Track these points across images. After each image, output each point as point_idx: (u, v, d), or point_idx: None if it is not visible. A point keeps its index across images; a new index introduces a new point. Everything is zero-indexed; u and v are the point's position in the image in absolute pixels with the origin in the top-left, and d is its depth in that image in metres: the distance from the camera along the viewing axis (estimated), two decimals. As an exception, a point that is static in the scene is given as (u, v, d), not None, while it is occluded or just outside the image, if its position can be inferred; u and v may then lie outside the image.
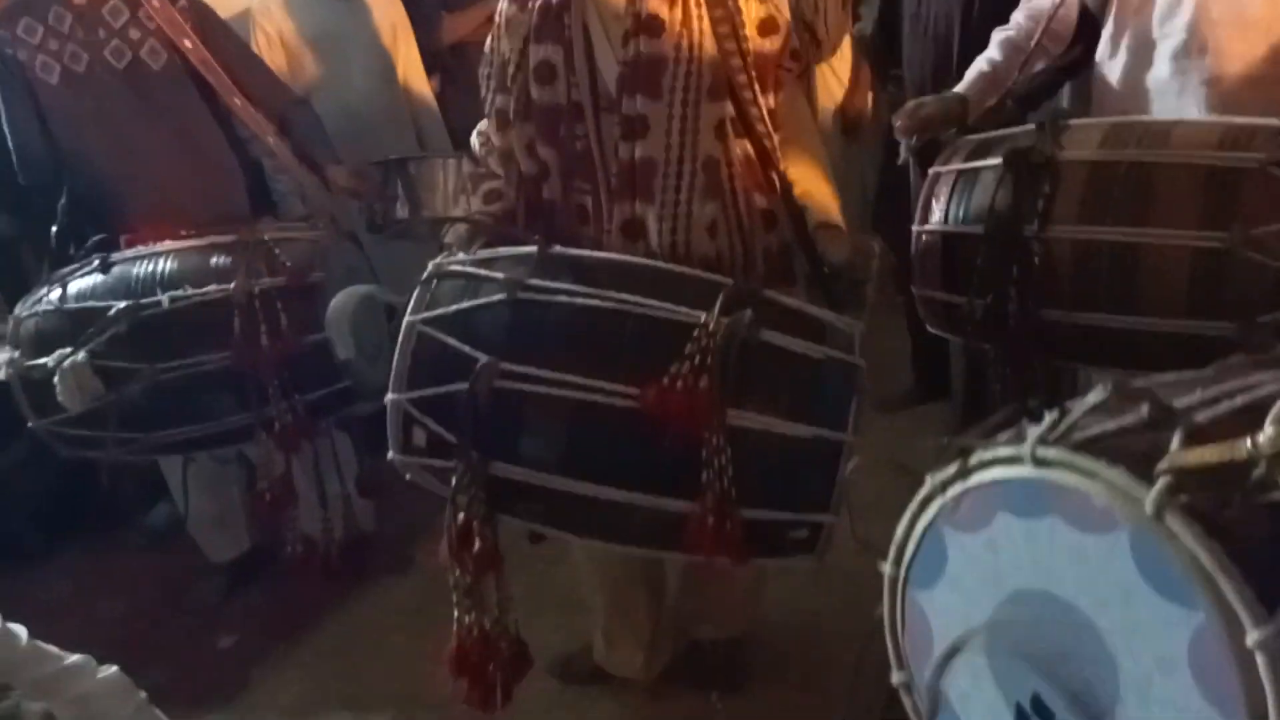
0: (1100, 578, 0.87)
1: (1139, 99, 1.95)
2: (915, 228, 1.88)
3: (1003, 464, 0.96)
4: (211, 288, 2.08)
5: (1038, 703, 0.92)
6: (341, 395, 2.18)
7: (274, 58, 2.93)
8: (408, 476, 1.63)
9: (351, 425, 2.43)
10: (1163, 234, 1.58)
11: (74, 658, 1.72)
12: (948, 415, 2.98)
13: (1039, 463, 0.91)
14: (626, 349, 1.47)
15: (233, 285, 2.06)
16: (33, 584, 2.64)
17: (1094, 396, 0.93)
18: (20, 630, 1.68)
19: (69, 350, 2.03)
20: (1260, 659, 0.76)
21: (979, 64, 2.12)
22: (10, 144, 2.37)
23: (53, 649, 1.71)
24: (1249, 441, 0.78)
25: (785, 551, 1.53)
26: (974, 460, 0.98)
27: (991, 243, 1.71)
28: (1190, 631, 0.80)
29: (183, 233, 2.23)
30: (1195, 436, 0.85)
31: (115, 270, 2.16)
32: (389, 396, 1.53)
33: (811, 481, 1.45)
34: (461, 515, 1.52)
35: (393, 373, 1.52)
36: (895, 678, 1.11)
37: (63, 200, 2.37)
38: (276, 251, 2.13)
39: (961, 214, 1.80)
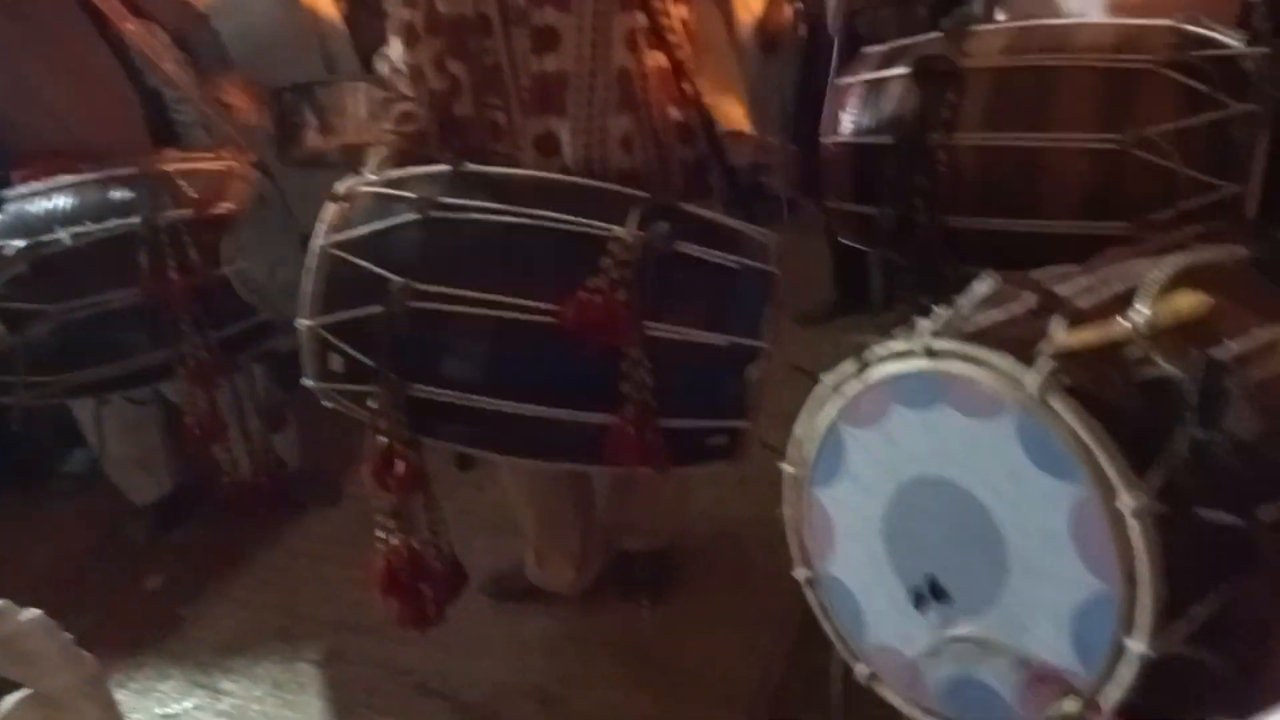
0: (989, 460, 0.91)
1: (1041, 2, 1.96)
2: (824, 139, 1.89)
3: (897, 359, 1.00)
4: (114, 222, 2.00)
5: (934, 585, 0.97)
6: (257, 330, 2.14)
7: None
8: (325, 403, 1.62)
9: (268, 358, 2.40)
10: (1062, 138, 1.61)
11: None
12: (868, 327, 3.05)
13: (931, 354, 0.95)
14: (542, 265, 1.47)
15: (137, 219, 1.99)
16: (-44, 537, 2.58)
17: (982, 287, 0.97)
18: None
19: None
20: (1132, 522, 0.82)
21: None
22: None
23: None
24: (1125, 321, 0.83)
25: (705, 458, 1.56)
26: (869, 357, 1.02)
27: (899, 152, 1.73)
28: (1071, 504, 0.86)
29: (80, 166, 2.13)
30: (1077, 321, 0.89)
31: (10, 208, 2.06)
32: (301, 322, 1.51)
33: (728, 389, 1.47)
34: (383, 439, 1.52)
35: (303, 298, 1.50)
36: (800, 574, 1.15)
37: None
38: (181, 183, 2.06)
39: (870, 123, 1.82)
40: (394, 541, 1.60)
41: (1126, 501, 0.82)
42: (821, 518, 1.11)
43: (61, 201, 2.05)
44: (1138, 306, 0.83)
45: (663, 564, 2.25)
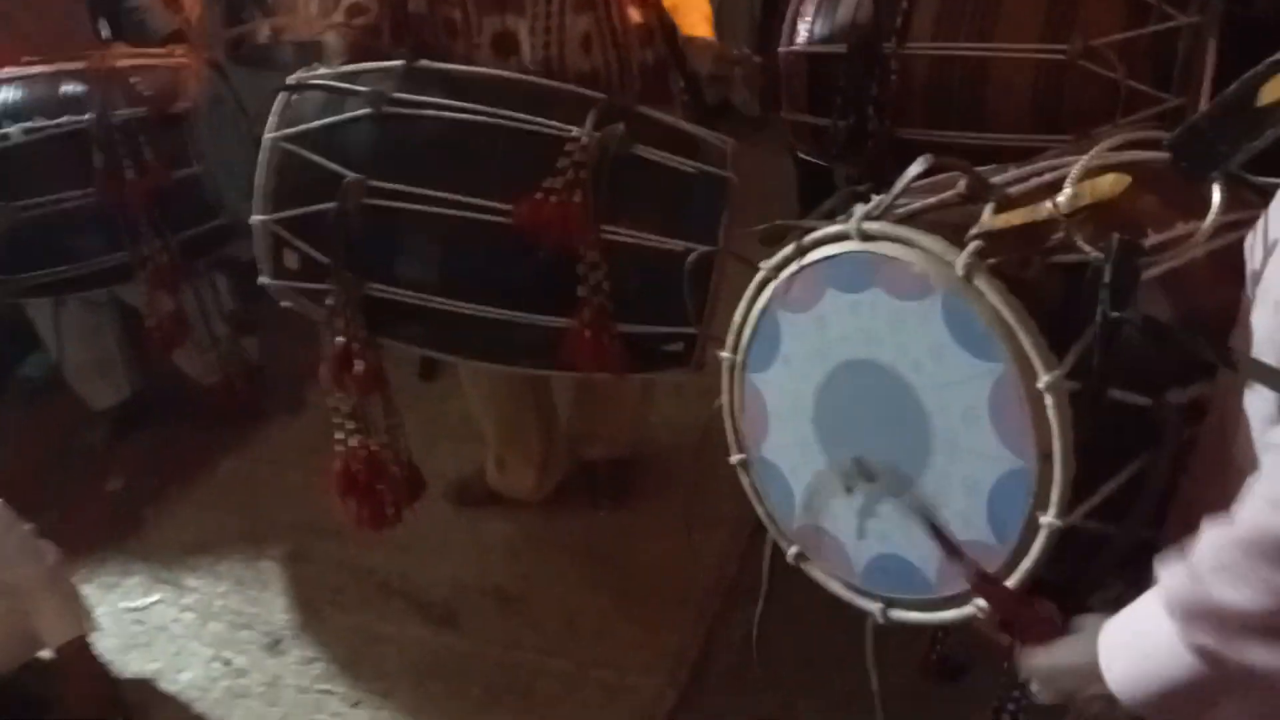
0: (916, 340, 0.94)
1: None
2: (782, 49, 1.88)
3: (831, 242, 1.01)
4: (66, 119, 1.95)
5: (861, 465, 1.00)
6: (216, 233, 2.11)
7: None
8: (282, 303, 1.61)
9: (229, 265, 2.37)
10: (1009, 48, 1.62)
11: None
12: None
13: (864, 237, 0.97)
14: (498, 164, 1.45)
15: (89, 116, 1.94)
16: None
17: (914, 168, 0.99)
18: None
19: None
20: (1049, 399, 0.85)
21: None
22: None
23: None
24: (1050, 204, 0.86)
25: (661, 365, 1.58)
26: (805, 241, 1.03)
27: (852, 61, 1.73)
28: (991, 382, 0.88)
29: (24, 59, 2.07)
30: (1006, 207, 0.91)
31: None
32: (254, 218, 1.49)
33: (684, 295, 1.46)
34: (340, 338, 1.52)
35: (255, 193, 1.48)
36: (734, 459, 1.18)
37: None
38: (134, 80, 2.00)
39: (825, 33, 1.80)
40: (352, 443, 1.61)
41: (1043, 379, 0.85)
42: (756, 402, 1.13)
43: (9, 94, 2.00)
44: (1066, 189, 0.85)
45: (623, 472, 2.29)
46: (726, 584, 2.06)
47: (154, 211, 2.01)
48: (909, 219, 0.97)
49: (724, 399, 1.16)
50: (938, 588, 0.98)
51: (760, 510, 1.17)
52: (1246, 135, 0.79)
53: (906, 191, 1.01)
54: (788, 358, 1.07)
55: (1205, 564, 0.71)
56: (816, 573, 1.12)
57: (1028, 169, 0.99)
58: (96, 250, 2.06)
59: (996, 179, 0.97)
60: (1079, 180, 0.87)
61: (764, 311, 1.09)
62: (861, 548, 1.05)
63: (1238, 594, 0.68)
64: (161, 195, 1.99)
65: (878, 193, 1.04)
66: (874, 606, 1.06)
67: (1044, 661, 0.89)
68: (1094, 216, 0.87)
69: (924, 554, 0.98)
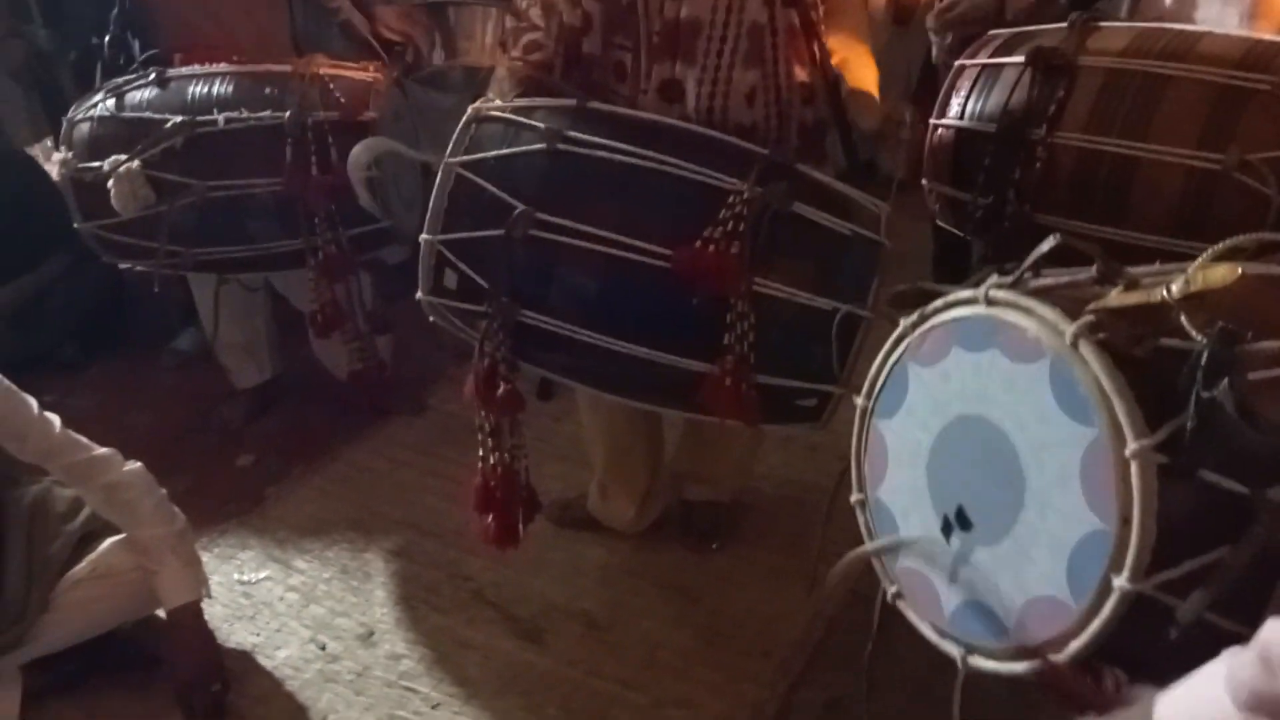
0: (1023, 401, 1.00)
1: (1184, 3, 1.91)
2: (933, 120, 1.88)
3: (962, 305, 1.10)
4: (266, 114, 2.09)
5: (961, 514, 1.06)
6: (378, 235, 2.23)
7: None
8: (431, 319, 1.69)
9: (372, 268, 2.49)
10: (1162, 150, 1.58)
11: (102, 450, 1.83)
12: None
13: (990, 303, 1.05)
14: (661, 209, 1.50)
15: (287, 114, 2.08)
16: (65, 394, 2.73)
17: (1045, 245, 1.06)
18: (54, 419, 1.78)
19: (124, 157, 2.06)
20: (1134, 466, 0.90)
21: None
22: None
23: (84, 439, 1.82)
24: (1163, 290, 0.92)
25: (792, 418, 1.60)
26: (939, 303, 1.12)
27: (999, 143, 1.72)
28: (1085, 446, 0.94)
29: (235, 58, 2.22)
30: (1130, 289, 0.98)
31: (171, 85, 2.17)
32: (423, 236, 1.57)
33: (826, 353, 1.50)
34: (487, 360, 1.58)
35: (429, 213, 1.56)
36: (854, 498, 1.25)
37: (115, 11, 2.35)
38: (331, 86, 2.14)
39: (978, 110, 1.80)
40: (492, 460, 1.67)
41: (1131, 446, 0.89)
42: (879, 447, 1.20)
43: (220, 88, 2.15)
44: (1179, 279, 0.91)
45: (722, 516, 2.30)
46: (812, 645, 2.05)
47: (330, 206, 2.13)
48: (1038, 292, 1.04)
49: (854, 441, 1.23)
50: (1013, 639, 1.02)
51: (870, 548, 1.24)
52: None
53: (1044, 270, 1.07)
54: (912, 407, 1.15)
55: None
56: (910, 613, 1.19)
57: (1172, 266, 1.01)
58: (272, 235, 2.20)
59: (1134, 269, 1.01)
60: (1195, 268, 0.93)
61: (897, 362, 1.18)
62: (952, 593, 1.10)
63: None
64: (338, 192, 2.10)
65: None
66: (956, 651, 1.11)
67: None
68: (1212, 308, 0.92)
69: (1005, 605, 1.02)
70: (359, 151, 1.91)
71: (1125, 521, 0.90)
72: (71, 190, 2.18)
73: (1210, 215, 1.57)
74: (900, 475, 1.16)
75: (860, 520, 1.24)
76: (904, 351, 1.16)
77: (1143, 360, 0.94)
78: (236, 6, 2.36)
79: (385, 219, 2.11)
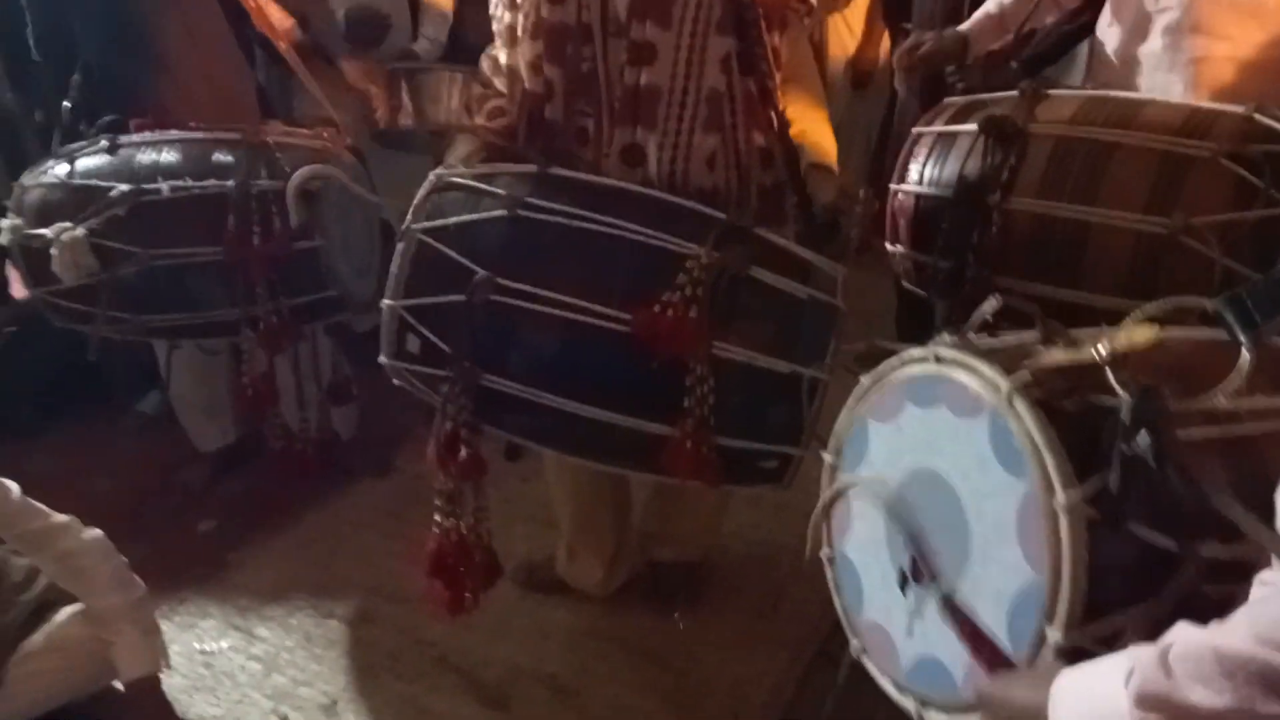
0: (966, 453, 1.04)
1: (1131, 70, 1.98)
2: (893, 186, 1.93)
3: (914, 363, 1.15)
4: (211, 182, 2.10)
5: (914, 566, 1.09)
6: (329, 303, 2.22)
7: None
8: (395, 381, 1.69)
9: (339, 333, 2.49)
10: (1111, 214, 1.63)
11: (61, 517, 1.80)
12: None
13: (939, 361, 1.10)
14: (620, 274, 1.52)
15: (231, 183, 2.08)
16: (24, 458, 2.65)
17: (986, 306, 1.13)
18: (13, 486, 1.75)
19: (69, 225, 2.06)
20: (1063, 519, 0.93)
21: (987, 6, 2.16)
22: (29, 20, 2.38)
23: (42, 506, 1.79)
24: (1093, 349, 0.97)
25: (755, 480, 1.61)
26: (895, 360, 1.17)
27: (957, 208, 1.77)
28: (1020, 497, 0.97)
29: (190, 124, 2.23)
30: (1068, 348, 1.02)
31: (122, 153, 2.17)
32: (385, 302, 1.58)
33: (785, 415, 1.52)
34: (449, 423, 1.58)
35: (390, 279, 1.57)
36: (823, 553, 1.28)
37: (76, 76, 2.36)
38: (279, 155, 2.14)
39: (935, 176, 1.84)
40: (447, 525, 1.66)
41: (1060, 499, 0.92)
42: (844, 502, 1.23)
43: (167, 155, 2.16)
44: (1107, 340, 0.97)
45: (690, 577, 2.29)
46: (781, 707, 2.03)
47: (273, 274, 2.12)
48: (984, 351, 1.08)
49: (822, 495, 1.26)
50: (962, 690, 1.04)
51: (837, 603, 1.27)
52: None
53: (998, 330, 1.13)
54: (871, 461, 1.19)
55: (1178, 659, 0.76)
56: (872, 668, 1.20)
57: (1111, 328, 1.06)
58: (215, 303, 2.18)
59: (1076, 331, 1.06)
60: (1123, 330, 0.99)
61: (858, 419, 1.21)
62: (908, 646, 1.12)
63: (1199, 695, 0.74)
64: (280, 262, 2.10)
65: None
66: (912, 706, 1.12)
67: (998, 692, 0.94)
68: (1139, 367, 0.96)
69: (954, 656, 1.04)
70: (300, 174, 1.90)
71: (1056, 573, 0.93)
72: (20, 256, 2.18)
73: (1160, 277, 1.61)
74: (862, 528, 1.19)
75: (829, 576, 1.27)
76: (864, 408, 1.21)
77: (1074, 415, 0.98)
78: (197, 70, 2.38)
79: (333, 287, 2.12)
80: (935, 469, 1.07)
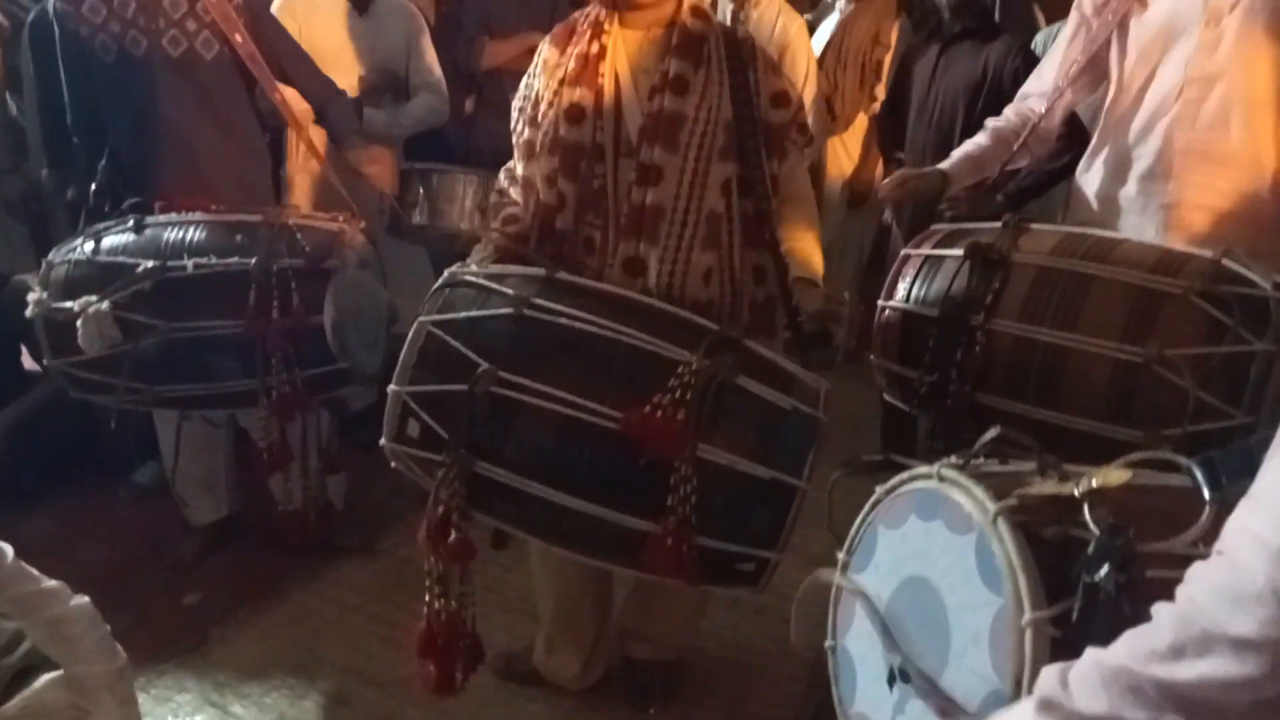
0: (955, 568, 1.12)
1: (1108, 212, 2.11)
2: (880, 302, 2.01)
3: (921, 479, 1.24)
4: (234, 260, 2.21)
5: (902, 669, 1.15)
6: (338, 375, 2.32)
7: None
8: (393, 464, 1.76)
9: (333, 407, 2.57)
10: (1089, 341, 1.71)
11: (51, 582, 1.81)
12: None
13: (941, 479, 1.19)
14: (615, 375, 1.60)
15: (253, 260, 2.20)
16: (22, 522, 2.72)
17: (987, 435, 1.23)
18: (7, 549, 1.78)
19: (94, 298, 2.16)
20: (1028, 635, 1.00)
21: (967, 146, 2.29)
22: (68, 106, 2.52)
23: (33, 571, 1.81)
24: (1075, 484, 1.07)
25: (732, 581, 1.66)
26: (906, 475, 1.27)
27: (942, 326, 1.85)
28: (994, 612, 1.05)
29: (213, 207, 2.36)
30: (1058, 481, 1.11)
31: (148, 232, 2.29)
32: (391, 387, 1.66)
33: (764, 520, 1.58)
34: (442, 507, 1.64)
35: (398, 365, 1.65)
36: (827, 644, 1.35)
37: (103, 161, 2.50)
38: (298, 236, 2.27)
39: (922, 295, 1.93)
40: (438, 606, 1.70)
41: (1027, 617, 1.00)
42: (849, 599, 1.30)
43: (192, 234, 2.28)
44: (1087, 478, 1.07)
45: (666, 676, 2.30)
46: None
47: (288, 348, 2.22)
48: (982, 475, 1.17)
49: (834, 590, 1.35)
50: None
51: (834, 693, 1.33)
52: (1246, 476, 0.90)
53: (999, 456, 1.22)
54: (878, 564, 1.27)
55: (1074, 672, 0.90)
56: None
57: (1102, 468, 1.14)
58: (231, 374, 2.27)
59: (1069, 466, 1.14)
60: (1100, 472, 1.08)
61: (870, 523, 1.30)
62: None
63: (1083, 702, 0.87)
64: (297, 335, 2.20)
65: (953, 446, 1.26)
66: None
67: None
68: (1113, 506, 1.04)
69: None
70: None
71: (1017, 684, 0.99)
72: (44, 328, 2.27)
73: (1135, 403, 1.68)
74: (862, 625, 1.26)
75: (830, 666, 1.34)
76: (876, 514, 1.30)
77: (1051, 543, 1.06)
78: (223, 160, 2.52)
79: (343, 359, 2.21)
80: (928, 578, 1.16)
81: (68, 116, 2.52)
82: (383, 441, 1.70)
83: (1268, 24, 1.90)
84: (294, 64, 2.61)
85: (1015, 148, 2.25)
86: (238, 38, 2.47)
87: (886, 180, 2.18)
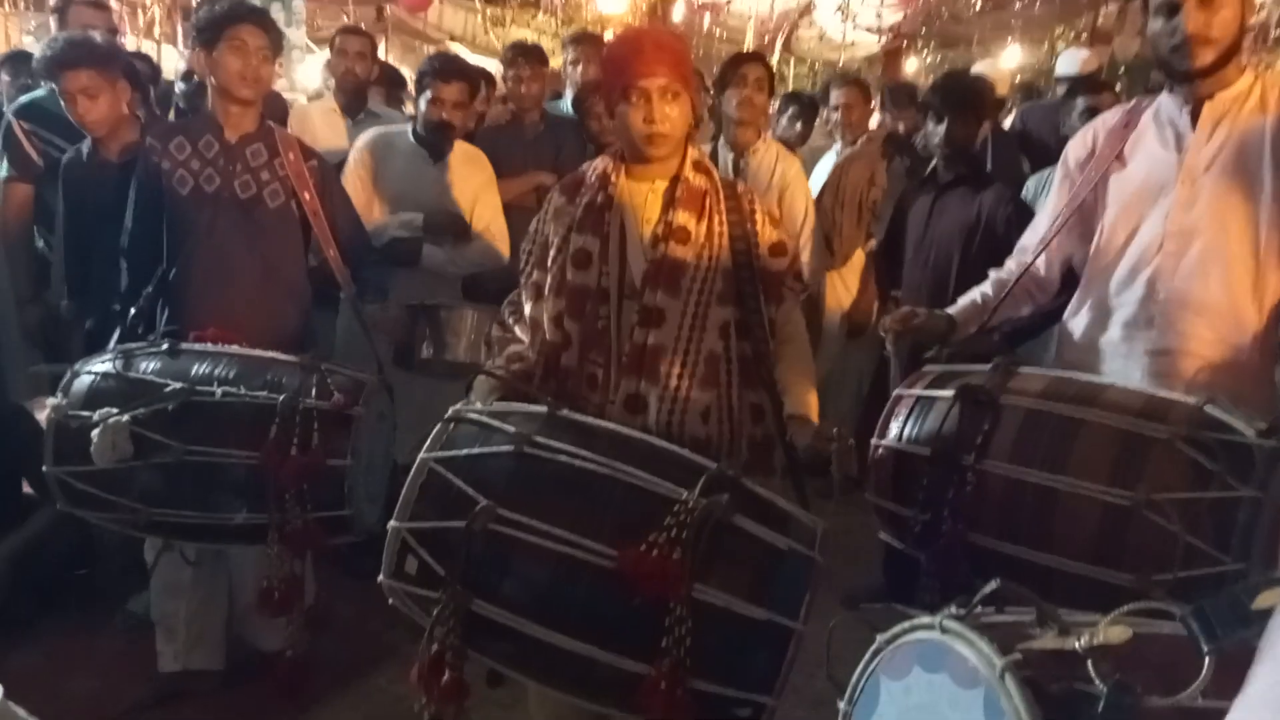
0: (962, 719, 1.12)
1: (1093, 356, 2.16)
2: (874, 441, 2.03)
3: (924, 629, 1.24)
4: (263, 394, 2.23)
5: None
6: (338, 523, 2.29)
7: (360, 194, 3.22)
8: (390, 601, 1.76)
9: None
10: (1078, 484, 1.72)
11: None
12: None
13: (945, 631, 1.20)
14: (613, 512, 1.62)
15: (281, 396, 2.22)
16: (14, 650, 2.68)
17: (987, 588, 1.23)
18: None
19: (115, 410, 2.18)
20: None
21: (972, 294, 2.36)
22: (129, 230, 2.65)
23: (20, 712, 1.79)
24: (1077, 640, 1.08)
25: (728, 725, 1.63)
26: (907, 624, 1.27)
27: (934, 465, 1.87)
28: None
29: (244, 344, 2.41)
30: (1061, 634, 1.12)
31: (181, 358, 2.33)
32: (391, 523, 1.68)
33: (760, 663, 1.57)
34: (436, 645, 1.63)
35: (399, 502, 1.68)
36: None
37: (149, 289, 2.61)
38: (329, 380, 2.29)
39: (914, 435, 1.96)
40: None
41: None
42: None
43: (225, 366, 2.31)
44: (1089, 634, 1.08)
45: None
46: None
47: (300, 487, 2.21)
48: (985, 626, 1.17)
49: None
50: None
51: None
52: (1240, 626, 0.93)
53: (1000, 605, 1.23)
54: (881, 716, 1.27)
55: None
56: None
57: (1104, 616, 1.15)
58: (232, 508, 2.25)
59: (1068, 616, 1.15)
60: (1100, 627, 1.09)
61: (872, 674, 1.30)
62: None
63: None
64: (310, 475, 2.20)
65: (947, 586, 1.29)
66: None
67: None
68: (1115, 659, 1.06)
69: None
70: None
71: None
72: (53, 433, 2.27)
73: (1127, 547, 1.68)
74: None
75: None
76: (878, 664, 1.30)
77: (1058, 698, 1.07)
78: (261, 298, 2.63)
79: (349, 508, 2.21)
80: None
81: (124, 239, 2.65)
82: (380, 578, 1.70)
83: (1241, 183, 2.00)
84: (341, 216, 2.78)
85: (1019, 297, 2.32)
86: (305, 194, 2.64)
87: (895, 313, 2.23)
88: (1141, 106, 2.19)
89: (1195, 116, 2.06)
